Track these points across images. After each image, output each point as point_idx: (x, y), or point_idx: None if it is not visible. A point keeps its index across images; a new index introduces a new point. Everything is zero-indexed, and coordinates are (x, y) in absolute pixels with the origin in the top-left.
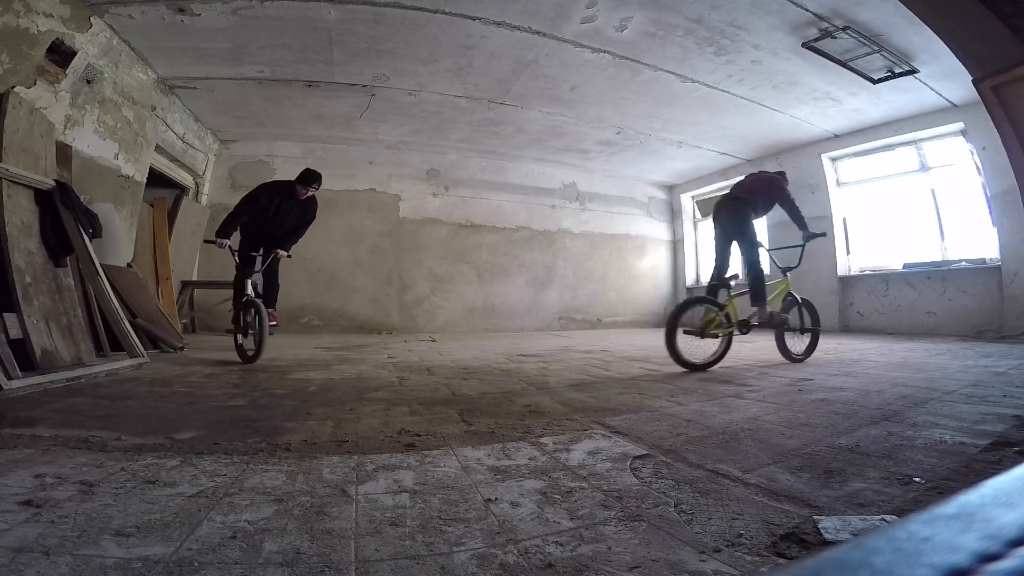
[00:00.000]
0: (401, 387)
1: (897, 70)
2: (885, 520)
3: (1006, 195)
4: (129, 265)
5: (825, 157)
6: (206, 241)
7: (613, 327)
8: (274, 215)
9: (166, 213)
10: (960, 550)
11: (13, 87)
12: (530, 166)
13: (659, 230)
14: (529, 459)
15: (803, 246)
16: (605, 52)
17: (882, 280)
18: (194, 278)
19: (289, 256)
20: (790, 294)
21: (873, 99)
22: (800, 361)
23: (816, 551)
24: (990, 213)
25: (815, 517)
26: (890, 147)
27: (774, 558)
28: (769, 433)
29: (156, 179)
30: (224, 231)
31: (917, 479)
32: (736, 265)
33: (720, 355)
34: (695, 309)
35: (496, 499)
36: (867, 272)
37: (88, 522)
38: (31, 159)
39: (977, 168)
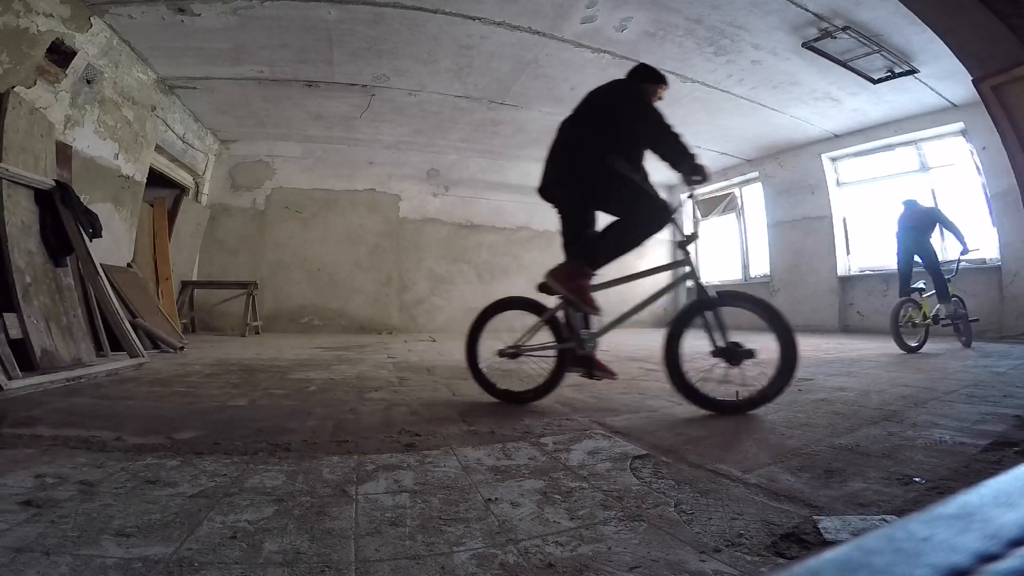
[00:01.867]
0: (401, 387)
1: (897, 70)
2: (885, 520)
3: (1006, 195)
4: (129, 265)
5: (825, 157)
6: (693, 186)
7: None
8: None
9: (166, 213)
10: (960, 550)
11: (13, 87)
12: (530, 166)
13: None
14: (529, 459)
15: (959, 260)
16: (605, 52)
17: (882, 280)
18: (194, 278)
19: None
20: (953, 295)
21: (873, 99)
22: (966, 345)
23: (816, 551)
24: (990, 213)
25: (815, 517)
26: (890, 147)
27: (774, 558)
28: (769, 433)
29: (156, 179)
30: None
31: (917, 479)
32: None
33: (924, 341)
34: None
35: (496, 499)
36: (867, 272)
37: (88, 522)
38: (31, 159)
39: (977, 168)
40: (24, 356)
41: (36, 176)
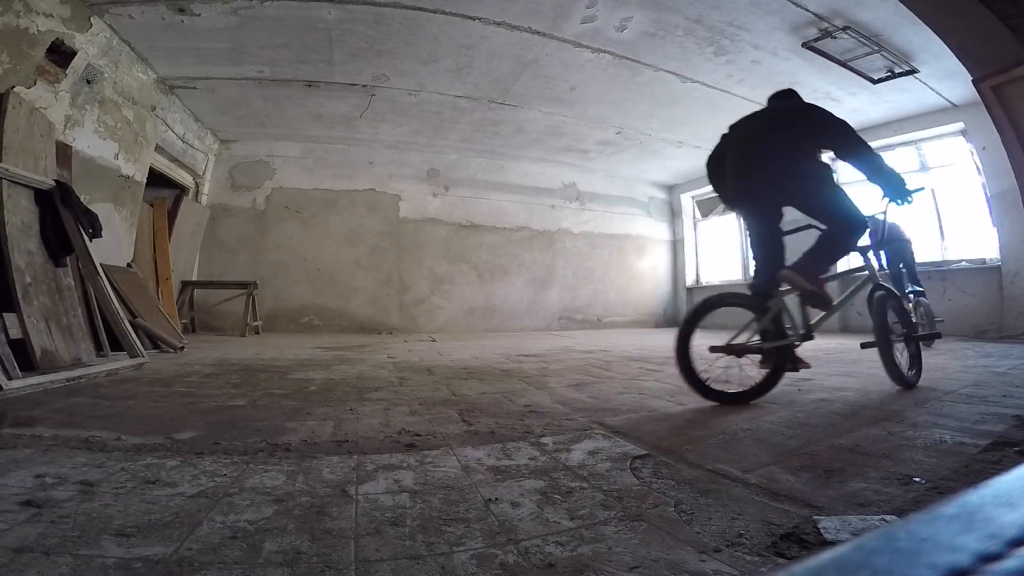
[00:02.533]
0: (401, 387)
1: (897, 70)
2: (885, 520)
3: (1006, 195)
4: (129, 265)
5: (825, 157)
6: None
7: (613, 327)
8: None
9: (166, 213)
10: (960, 550)
11: (13, 87)
12: (530, 166)
13: (659, 230)
14: (529, 459)
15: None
16: (605, 52)
17: None
18: (194, 278)
19: None
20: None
21: (873, 99)
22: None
23: (816, 551)
24: (990, 213)
25: (815, 517)
26: (890, 147)
27: (774, 558)
28: (769, 433)
29: (156, 179)
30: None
31: (917, 479)
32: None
33: None
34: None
35: (496, 499)
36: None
37: (88, 522)
38: (31, 159)
39: (977, 168)
40: (24, 356)
41: (36, 176)
